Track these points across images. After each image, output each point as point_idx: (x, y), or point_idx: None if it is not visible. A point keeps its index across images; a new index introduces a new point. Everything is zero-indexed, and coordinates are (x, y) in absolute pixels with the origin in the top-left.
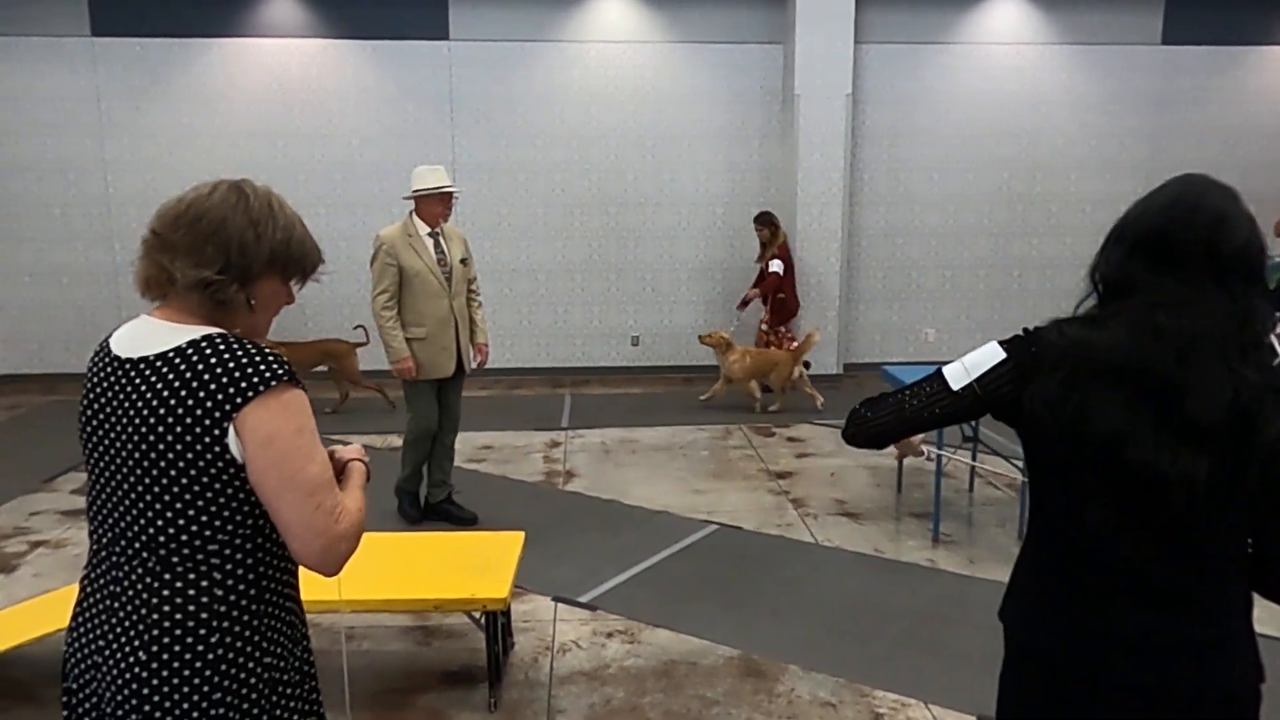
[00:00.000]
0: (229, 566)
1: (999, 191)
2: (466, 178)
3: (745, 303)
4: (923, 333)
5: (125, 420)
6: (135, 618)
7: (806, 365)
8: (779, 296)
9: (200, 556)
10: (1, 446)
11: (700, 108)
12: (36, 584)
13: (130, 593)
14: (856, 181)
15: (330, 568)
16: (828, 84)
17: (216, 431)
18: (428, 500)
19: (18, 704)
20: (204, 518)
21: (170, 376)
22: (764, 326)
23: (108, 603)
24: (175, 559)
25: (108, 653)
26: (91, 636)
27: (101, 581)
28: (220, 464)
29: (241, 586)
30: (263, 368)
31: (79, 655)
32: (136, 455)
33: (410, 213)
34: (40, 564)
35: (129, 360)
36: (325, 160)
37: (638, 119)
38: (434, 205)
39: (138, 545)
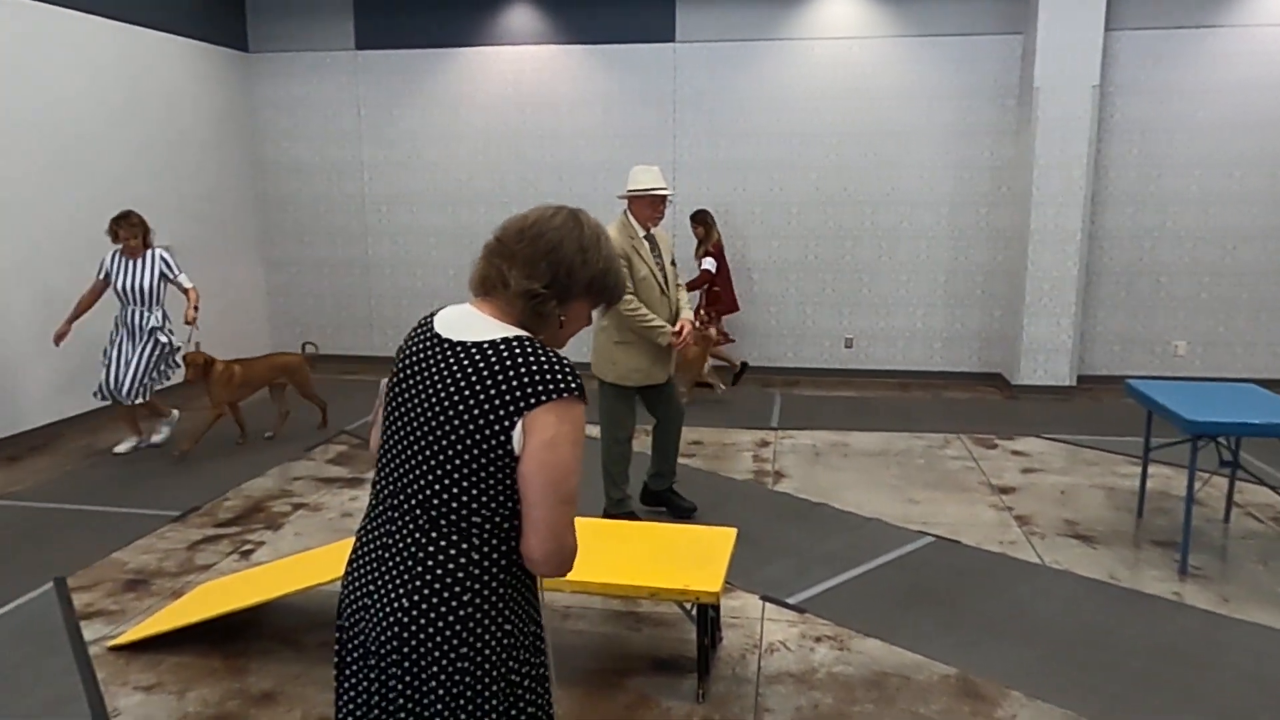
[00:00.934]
0: (485, 536)
1: (1272, 190)
2: (686, 176)
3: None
4: (1172, 345)
5: (433, 390)
6: (403, 568)
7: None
8: (714, 290)
9: (464, 525)
10: (266, 418)
11: (926, 103)
12: (297, 542)
13: (400, 545)
14: (1100, 179)
15: (550, 568)
16: (1072, 75)
17: (506, 422)
18: (648, 487)
19: (281, 646)
20: (474, 491)
21: (481, 364)
22: (695, 321)
23: (380, 552)
24: (444, 521)
25: (377, 596)
26: (363, 581)
27: (377, 533)
28: (500, 451)
29: (495, 556)
30: (559, 377)
31: (352, 597)
32: (434, 423)
33: (625, 212)
34: (301, 524)
35: (448, 341)
36: (553, 159)
37: (860, 116)
38: (646, 207)
39: (413, 503)
